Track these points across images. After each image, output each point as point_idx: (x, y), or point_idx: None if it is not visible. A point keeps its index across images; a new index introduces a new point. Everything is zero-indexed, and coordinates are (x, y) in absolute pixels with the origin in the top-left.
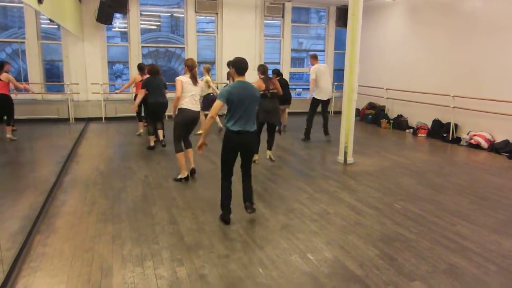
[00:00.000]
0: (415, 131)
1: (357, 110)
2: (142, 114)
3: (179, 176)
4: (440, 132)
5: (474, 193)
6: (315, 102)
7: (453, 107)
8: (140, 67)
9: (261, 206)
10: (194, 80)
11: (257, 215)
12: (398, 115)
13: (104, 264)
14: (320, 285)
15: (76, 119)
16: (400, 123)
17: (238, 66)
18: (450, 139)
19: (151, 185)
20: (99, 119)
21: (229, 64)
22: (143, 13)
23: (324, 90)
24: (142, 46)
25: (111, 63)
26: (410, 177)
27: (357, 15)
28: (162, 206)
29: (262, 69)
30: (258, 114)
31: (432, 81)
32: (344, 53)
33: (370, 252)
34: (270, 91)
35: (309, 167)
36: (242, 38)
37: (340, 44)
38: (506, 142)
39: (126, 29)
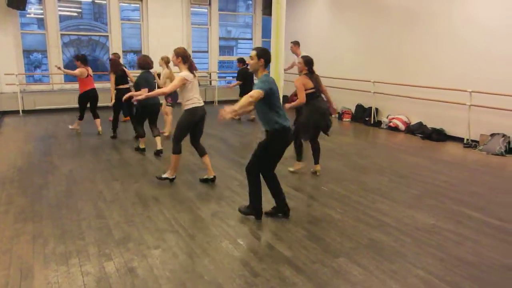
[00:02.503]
0: (340, 116)
1: (285, 97)
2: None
3: (165, 175)
4: (363, 116)
5: (393, 172)
6: None
7: (374, 92)
8: (83, 59)
9: (191, 194)
10: (193, 72)
11: (188, 204)
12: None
13: (24, 266)
14: (251, 269)
15: None
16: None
17: (268, 58)
18: (372, 122)
19: (76, 180)
20: (16, 112)
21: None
22: None
23: None
24: (62, 34)
25: (27, 52)
26: (336, 160)
27: (281, 3)
28: (88, 200)
29: (308, 62)
30: (319, 120)
31: (355, 68)
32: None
33: (299, 234)
34: (320, 89)
35: (240, 155)
36: (169, 26)
37: (267, 32)
38: (419, 124)
39: (42, 16)
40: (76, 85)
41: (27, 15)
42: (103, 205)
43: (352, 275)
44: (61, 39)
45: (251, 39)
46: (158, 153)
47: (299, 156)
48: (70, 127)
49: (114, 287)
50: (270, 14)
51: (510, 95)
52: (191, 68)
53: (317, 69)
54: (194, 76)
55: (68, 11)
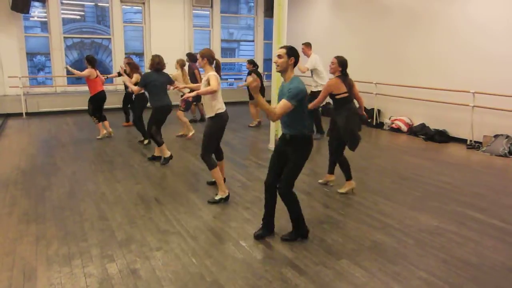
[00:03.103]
0: None
1: None
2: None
3: (219, 196)
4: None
5: (395, 174)
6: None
7: (376, 94)
8: (92, 60)
9: (194, 196)
10: (219, 74)
11: (190, 205)
12: (326, 102)
13: (27, 267)
14: (253, 270)
15: None
16: (328, 110)
17: (298, 58)
18: (374, 124)
19: (79, 182)
20: (19, 114)
21: (193, 56)
22: (64, 1)
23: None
24: (65, 37)
25: (31, 55)
26: None
27: (283, 5)
28: (91, 202)
29: (342, 63)
30: (357, 125)
31: (357, 69)
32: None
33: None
34: (353, 93)
35: (242, 156)
36: (171, 28)
37: (269, 34)
38: (422, 125)
39: (46, 19)
40: (79, 88)
41: (31, 18)
42: (105, 206)
43: (355, 277)
44: (64, 42)
45: (253, 41)
46: (167, 160)
47: (347, 173)
48: (98, 137)
49: None
50: (271, 16)
51: None
52: (218, 70)
53: None
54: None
55: (71, 14)
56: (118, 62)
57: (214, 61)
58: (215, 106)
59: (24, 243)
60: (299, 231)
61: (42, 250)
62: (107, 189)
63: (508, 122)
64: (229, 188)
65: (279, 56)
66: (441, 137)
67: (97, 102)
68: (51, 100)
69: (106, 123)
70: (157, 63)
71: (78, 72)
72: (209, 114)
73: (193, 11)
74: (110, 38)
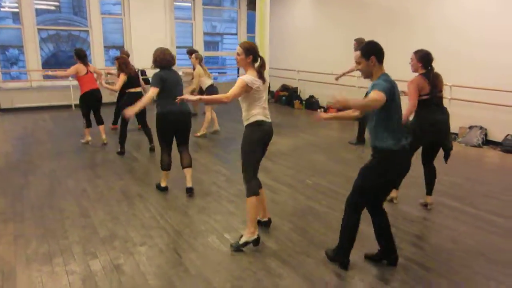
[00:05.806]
0: (326, 111)
1: (271, 92)
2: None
3: (244, 239)
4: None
5: None
6: None
7: (359, 87)
8: (80, 54)
9: (177, 191)
10: (262, 77)
11: (174, 200)
12: (309, 96)
13: (5, 267)
14: (237, 262)
15: None
16: (312, 104)
17: (380, 51)
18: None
19: (58, 179)
20: None
21: (192, 52)
22: None
23: None
24: (39, 29)
25: (2, 48)
26: (321, 154)
27: None
28: (71, 199)
29: (424, 58)
30: (426, 130)
31: (341, 63)
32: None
33: (285, 227)
34: (438, 94)
35: (226, 150)
36: (152, 21)
37: (252, 27)
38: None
39: (17, 9)
40: (57, 82)
41: (1, 9)
42: (87, 203)
43: (337, 265)
44: (39, 34)
45: (236, 34)
46: (189, 191)
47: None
48: (82, 141)
49: (100, 284)
50: (255, 9)
51: (486, 89)
52: (262, 70)
53: (302, 63)
54: (263, 82)
55: (45, 4)
56: (96, 55)
57: (260, 59)
58: (253, 114)
59: (2, 242)
60: (340, 254)
61: (21, 249)
62: (88, 186)
63: (481, 114)
64: (214, 182)
65: (358, 63)
66: None
67: (85, 103)
68: (26, 95)
69: (101, 127)
70: (160, 59)
71: (62, 72)
72: (245, 121)
73: (175, 3)
74: (88, 31)
